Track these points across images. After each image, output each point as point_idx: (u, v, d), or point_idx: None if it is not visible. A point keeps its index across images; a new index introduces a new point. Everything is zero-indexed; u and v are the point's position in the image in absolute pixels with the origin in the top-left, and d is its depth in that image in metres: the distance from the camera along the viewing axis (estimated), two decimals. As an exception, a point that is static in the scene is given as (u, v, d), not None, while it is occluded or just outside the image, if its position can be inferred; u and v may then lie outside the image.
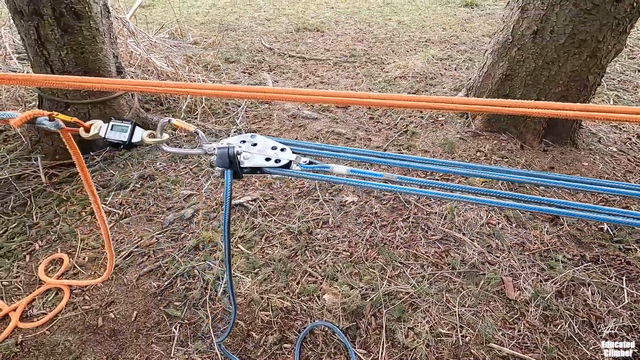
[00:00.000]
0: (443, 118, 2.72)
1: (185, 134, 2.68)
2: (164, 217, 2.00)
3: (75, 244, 1.84)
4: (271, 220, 1.98)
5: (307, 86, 3.50)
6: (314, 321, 1.49)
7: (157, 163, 2.40)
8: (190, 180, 2.28)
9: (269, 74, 3.73)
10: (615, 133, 2.66)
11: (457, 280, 1.59)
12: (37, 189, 2.11)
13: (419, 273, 1.64)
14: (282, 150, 0.76)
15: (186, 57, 3.80)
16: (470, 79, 2.89)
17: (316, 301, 1.56)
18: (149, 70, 3.32)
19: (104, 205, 2.05)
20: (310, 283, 1.65)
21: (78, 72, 2.14)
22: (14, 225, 1.93)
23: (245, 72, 3.74)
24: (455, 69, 3.78)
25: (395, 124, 2.73)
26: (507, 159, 2.23)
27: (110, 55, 2.29)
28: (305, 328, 1.47)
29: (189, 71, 3.37)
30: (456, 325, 1.43)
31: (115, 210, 2.02)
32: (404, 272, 1.66)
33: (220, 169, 0.72)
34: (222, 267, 1.71)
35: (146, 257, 1.79)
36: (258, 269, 1.71)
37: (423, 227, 1.88)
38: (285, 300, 1.58)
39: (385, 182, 0.70)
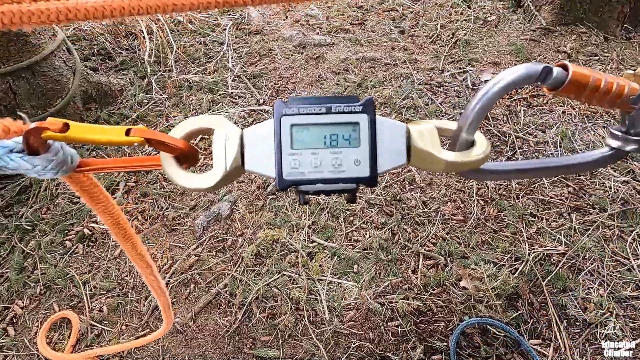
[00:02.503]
0: (493, 17, 2.16)
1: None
2: (191, 222, 1.42)
3: (77, 291, 1.25)
4: (339, 195, 1.47)
5: None
6: (462, 319, 1.13)
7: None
8: (202, 161, 1.64)
9: None
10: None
11: (612, 224, 1.27)
12: (-22, 223, 1.39)
13: (562, 225, 1.29)
14: None
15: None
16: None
17: (452, 292, 1.18)
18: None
19: (95, 225, 1.40)
20: (431, 268, 1.25)
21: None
22: (-35, 286, 1.26)
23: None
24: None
25: (437, 35, 2.13)
26: (597, 57, 1.80)
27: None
28: (454, 331, 1.11)
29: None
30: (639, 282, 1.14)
31: (115, 228, 1.39)
32: (543, 227, 1.30)
33: None
34: (309, 276, 1.24)
35: (192, 284, 1.26)
36: (356, 265, 1.27)
37: (536, 163, 1.49)
38: (410, 299, 1.18)
39: None
